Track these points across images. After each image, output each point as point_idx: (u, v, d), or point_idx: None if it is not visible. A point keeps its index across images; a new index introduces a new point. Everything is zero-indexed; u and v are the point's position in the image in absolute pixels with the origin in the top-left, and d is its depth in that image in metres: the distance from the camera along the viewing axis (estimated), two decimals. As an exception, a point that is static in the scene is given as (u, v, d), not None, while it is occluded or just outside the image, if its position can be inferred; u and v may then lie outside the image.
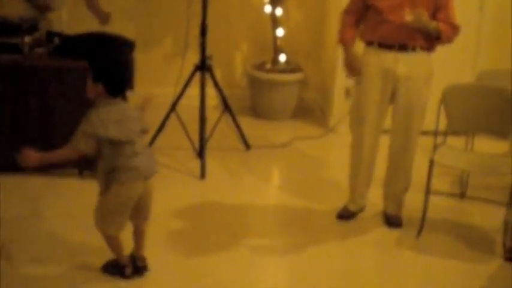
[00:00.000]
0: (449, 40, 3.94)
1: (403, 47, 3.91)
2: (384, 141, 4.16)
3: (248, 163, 5.20)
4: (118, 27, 5.04)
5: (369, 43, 4.02)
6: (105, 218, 3.35)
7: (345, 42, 4.06)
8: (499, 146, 4.27)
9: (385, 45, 3.93)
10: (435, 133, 4.14)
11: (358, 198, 4.29)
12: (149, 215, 3.50)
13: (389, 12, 3.85)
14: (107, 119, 3.14)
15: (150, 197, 3.43)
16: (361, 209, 4.33)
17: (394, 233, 4.18)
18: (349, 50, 4.05)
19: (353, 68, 4.04)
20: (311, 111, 6.47)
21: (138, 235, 3.53)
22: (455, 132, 4.33)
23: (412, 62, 3.93)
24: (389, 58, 3.93)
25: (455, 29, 3.92)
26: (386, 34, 3.91)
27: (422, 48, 3.94)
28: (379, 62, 3.96)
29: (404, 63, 3.92)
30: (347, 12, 4.08)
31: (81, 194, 4.31)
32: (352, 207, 4.31)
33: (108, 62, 3.24)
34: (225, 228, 4.17)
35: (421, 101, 4.00)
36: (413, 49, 3.92)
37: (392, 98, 4.03)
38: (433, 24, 3.84)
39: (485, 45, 5.93)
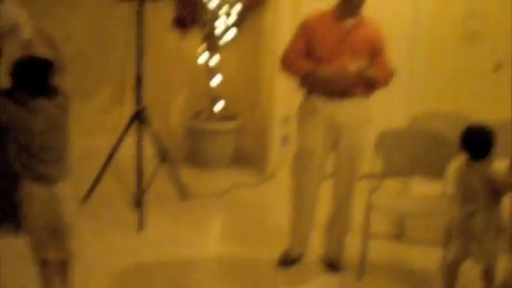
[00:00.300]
0: (385, 85, 4.05)
1: (343, 95, 3.97)
2: (323, 186, 4.19)
3: (187, 213, 5.16)
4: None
5: (310, 91, 4.06)
6: (29, 234, 3.37)
7: (306, 70, 3.97)
8: (434, 187, 4.35)
9: (326, 93, 3.98)
10: (372, 176, 4.20)
11: (300, 244, 4.28)
12: (67, 241, 3.43)
13: (330, 60, 3.92)
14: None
15: (61, 209, 3.37)
16: (302, 255, 4.32)
17: (336, 277, 4.18)
18: (318, 69, 3.94)
19: (339, 74, 3.91)
20: (249, 158, 6.48)
21: (61, 269, 3.48)
22: (391, 175, 4.40)
23: (353, 108, 4.00)
24: (330, 106, 3.98)
25: (390, 73, 4.05)
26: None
27: (362, 94, 4.02)
28: (321, 109, 4.00)
29: (345, 110, 3.98)
30: (287, 57, 4.08)
31: (17, 250, 4.19)
32: (294, 253, 4.29)
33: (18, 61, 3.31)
34: (165, 281, 4.09)
35: (362, 146, 4.08)
36: (353, 96, 3.99)
37: (335, 144, 4.07)
38: (372, 72, 3.93)
39: (417, 89, 6.08)
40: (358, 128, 4.03)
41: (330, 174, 4.16)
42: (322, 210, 4.26)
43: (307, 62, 4.00)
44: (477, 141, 3.68)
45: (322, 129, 4.02)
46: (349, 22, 3.97)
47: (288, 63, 4.09)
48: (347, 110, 3.98)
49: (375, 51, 4.00)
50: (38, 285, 3.45)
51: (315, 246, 4.33)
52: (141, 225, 4.73)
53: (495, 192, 3.60)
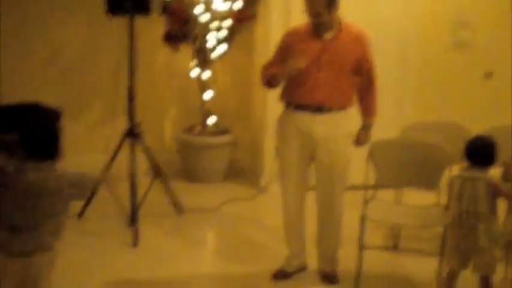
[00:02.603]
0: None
1: (319, 109, 3.96)
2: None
3: (181, 228, 5.14)
4: (44, 94, 4.96)
5: (287, 105, 4.09)
6: None
7: (271, 73, 3.99)
8: (428, 197, 4.36)
9: (302, 107, 3.99)
10: (365, 188, 4.20)
11: (295, 257, 4.27)
12: None
13: (309, 73, 3.89)
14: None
15: (35, 279, 2.97)
16: (299, 269, 4.30)
17: (332, 289, 4.18)
18: (278, 71, 3.95)
19: (292, 63, 3.87)
20: (242, 172, 6.47)
21: None
22: (385, 186, 4.40)
23: (329, 122, 3.98)
24: (305, 119, 3.99)
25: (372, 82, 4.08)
26: (302, 96, 3.98)
27: (339, 109, 4.00)
28: (296, 123, 4.01)
29: (321, 125, 3.97)
30: (265, 67, 4.11)
31: None
32: (290, 267, 4.27)
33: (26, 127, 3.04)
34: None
35: (341, 160, 4.06)
36: (330, 110, 3.97)
37: (312, 157, 4.07)
38: None
39: (409, 98, 6.10)
40: (334, 141, 4.00)
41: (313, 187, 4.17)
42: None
43: (272, 68, 4.01)
44: (484, 150, 3.69)
45: (298, 142, 4.03)
46: (328, 34, 3.93)
47: (261, 75, 4.12)
48: (323, 124, 3.97)
49: (358, 60, 3.96)
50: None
51: (313, 258, 4.32)
52: (135, 241, 4.71)
53: (495, 200, 3.61)
